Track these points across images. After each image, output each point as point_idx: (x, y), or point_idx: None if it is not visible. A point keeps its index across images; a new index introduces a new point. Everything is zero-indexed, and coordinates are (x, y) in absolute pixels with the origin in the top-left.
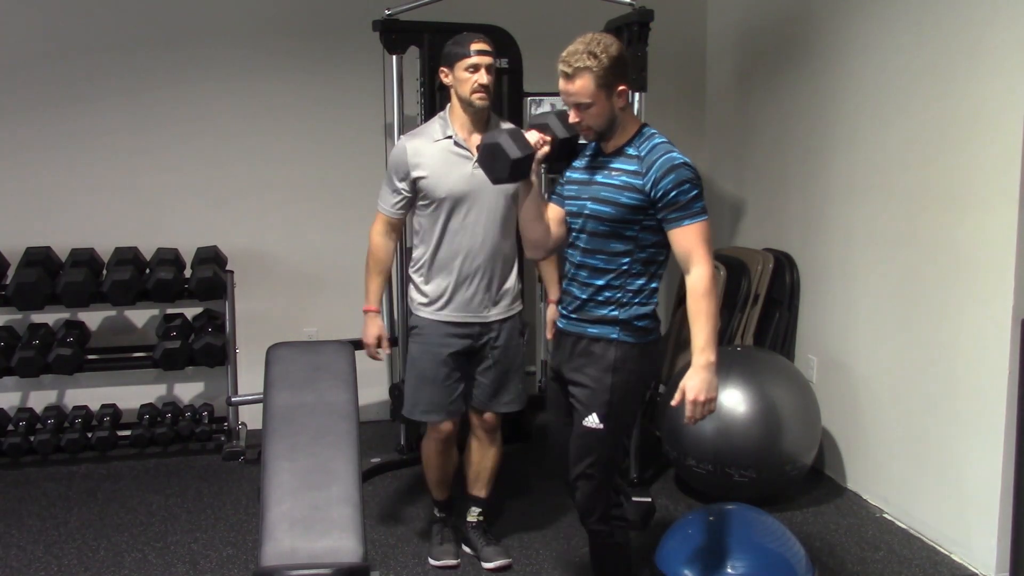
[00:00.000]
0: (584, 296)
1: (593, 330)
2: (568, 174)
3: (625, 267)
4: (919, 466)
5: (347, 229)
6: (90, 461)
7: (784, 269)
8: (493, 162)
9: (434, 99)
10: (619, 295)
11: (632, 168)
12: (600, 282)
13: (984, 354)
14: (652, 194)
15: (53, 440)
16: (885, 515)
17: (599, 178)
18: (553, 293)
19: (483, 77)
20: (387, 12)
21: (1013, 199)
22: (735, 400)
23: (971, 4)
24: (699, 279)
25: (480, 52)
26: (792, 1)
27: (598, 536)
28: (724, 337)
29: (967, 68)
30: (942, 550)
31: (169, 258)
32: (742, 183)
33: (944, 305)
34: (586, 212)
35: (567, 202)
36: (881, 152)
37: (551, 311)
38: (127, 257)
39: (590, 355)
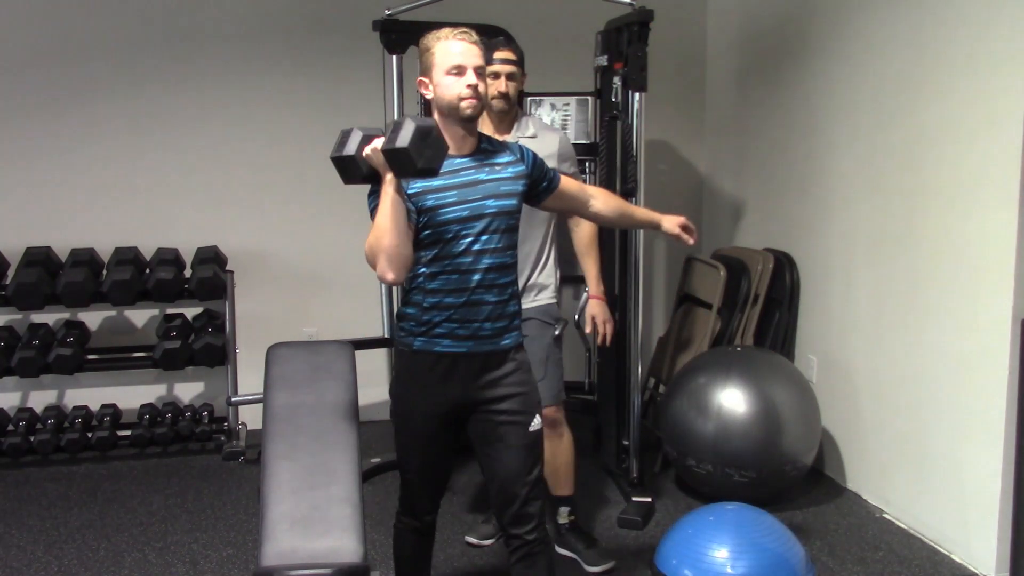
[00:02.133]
0: (497, 299)
1: (507, 340)
2: (425, 183)
3: (515, 257)
4: (919, 466)
5: (347, 229)
6: (90, 461)
7: (784, 269)
8: (426, 146)
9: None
10: (516, 288)
11: (509, 159)
12: (510, 278)
13: (984, 354)
14: (533, 174)
15: (53, 440)
16: (885, 515)
17: (486, 175)
18: (595, 287)
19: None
20: (387, 12)
21: (1013, 199)
22: (735, 400)
23: (971, 4)
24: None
25: (502, 60)
26: (792, 1)
27: (538, 543)
28: (724, 337)
29: (967, 68)
30: (942, 550)
31: (169, 258)
32: (742, 183)
33: (944, 305)
34: (490, 211)
35: (443, 211)
36: (881, 152)
37: (595, 307)
38: (127, 257)
39: (506, 363)
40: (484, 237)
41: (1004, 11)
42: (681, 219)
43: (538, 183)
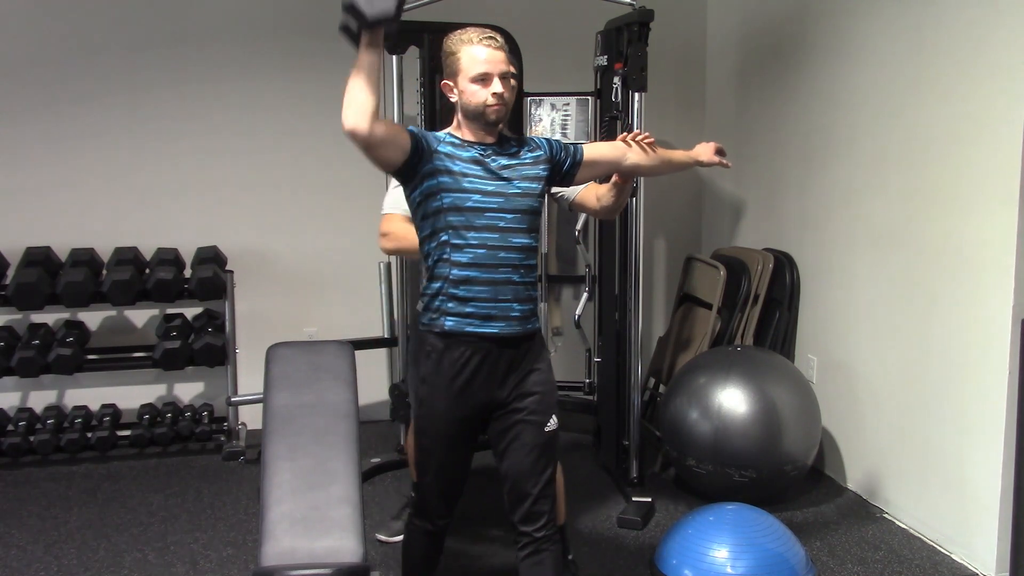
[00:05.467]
0: (523, 280)
1: (532, 324)
2: (450, 155)
3: (538, 241)
4: (919, 466)
5: (347, 229)
6: (90, 461)
7: (784, 269)
8: None
9: (434, 99)
10: (536, 273)
11: (527, 147)
12: (533, 261)
13: (984, 354)
14: (554, 156)
15: (53, 440)
16: (885, 515)
17: (507, 160)
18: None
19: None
20: None
21: (1013, 199)
22: (735, 400)
23: (971, 4)
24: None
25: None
26: (792, 1)
27: (547, 541)
28: (724, 337)
29: (967, 68)
30: (942, 550)
31: (169, 258)
32: (742, 183)
33: (944, 305)
34: (514, 191)
35: (470, 185)
36: (881, 152)
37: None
38: (127, 257)
39: (529, 357)
40: (509, 216)
41: (1004, 12)
42: (713, 145)
43: (562, 163)
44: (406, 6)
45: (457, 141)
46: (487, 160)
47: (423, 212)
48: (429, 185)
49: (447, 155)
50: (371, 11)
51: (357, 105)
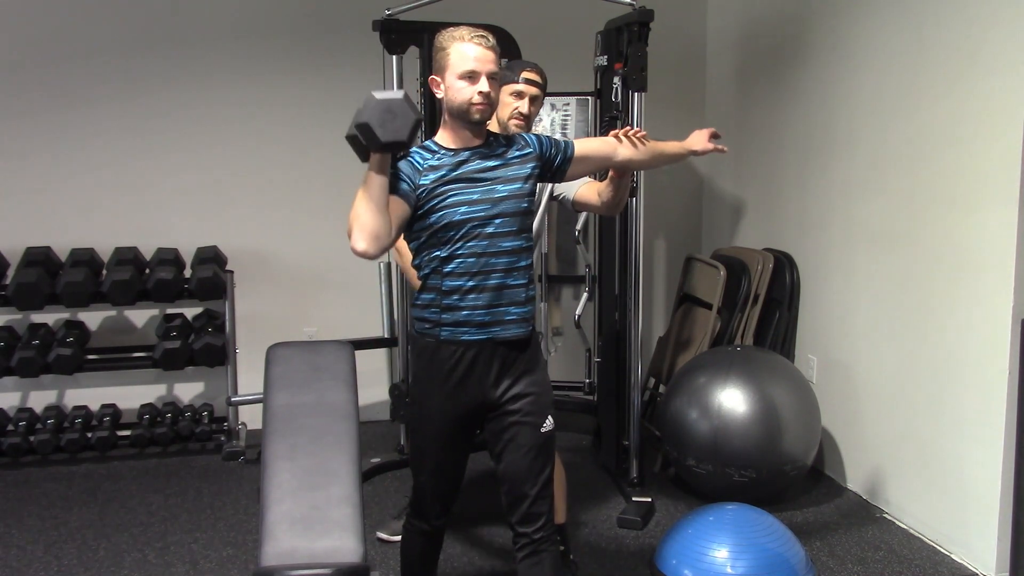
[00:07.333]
0: (517, 281)
1: (527, 327)
2: (437, 176)
3: (531, 241)
4: (919, 466)
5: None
6: (90, 461)
7: (784, 269)
8: (393, 120)
9: (434, 99)
10: (532, 272)
11: (515, 145)
12: (528, 261)
13: (984, 354)
14: (543, 153)
15: (53, 440)
16: (885, 515)
17: (493, 162)
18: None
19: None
20: (387, 12)
21: (1013, 199)
22: (735, 400)
23: (971, 4)
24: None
25: (527, 81)
26: (792, 1)
27: (545, 542)
28: (724, 337)
29: (967, 68)
30: (942, 550)
31: (169, 258)
32: (742, 183)
33: (944, 305)
34: (500, 195)
35: (454, 198)
36: (881, 152)
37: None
38: (127, 257)
39: (523, 360)
40: (497, 221)
41: (1004, 11)
42: (707, 132)
43: (552, 159)
44: (407, 5)
45: (441, 151)
46: (472, 166)
47: (413, 227)
48: (419, 212)
49: (433, 172)
50: (385, 136)
51: (369, 230)
